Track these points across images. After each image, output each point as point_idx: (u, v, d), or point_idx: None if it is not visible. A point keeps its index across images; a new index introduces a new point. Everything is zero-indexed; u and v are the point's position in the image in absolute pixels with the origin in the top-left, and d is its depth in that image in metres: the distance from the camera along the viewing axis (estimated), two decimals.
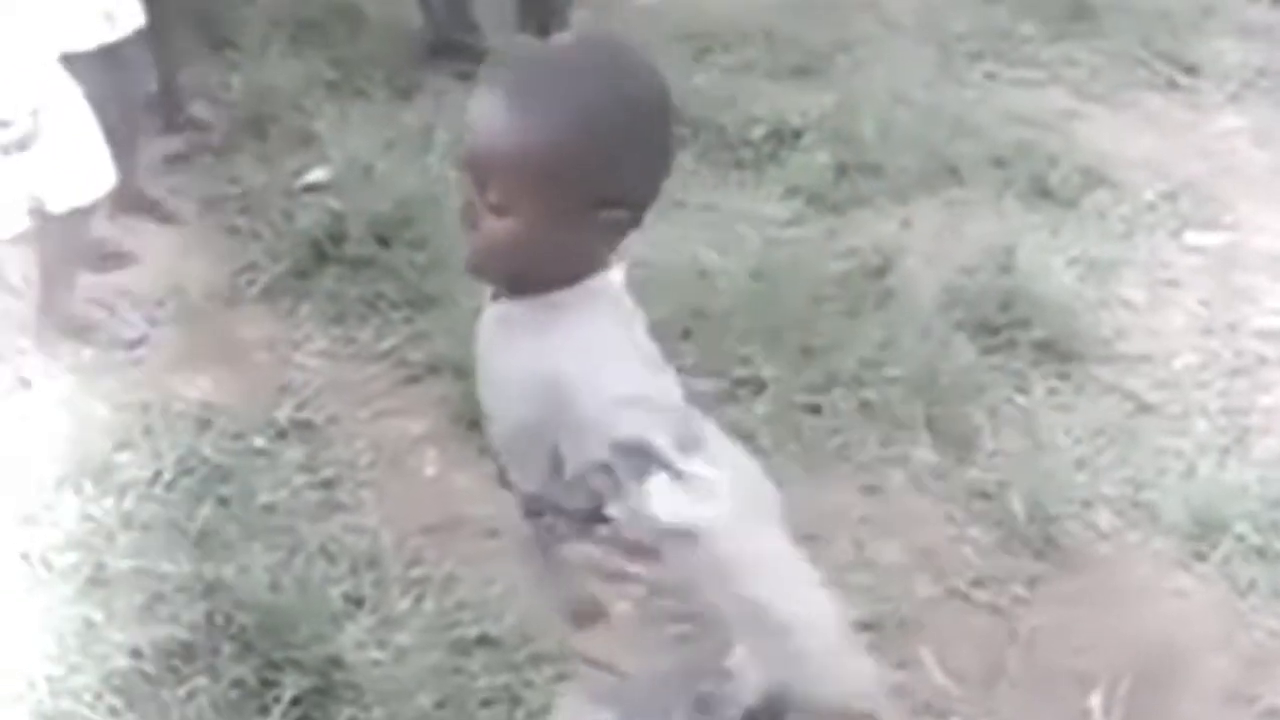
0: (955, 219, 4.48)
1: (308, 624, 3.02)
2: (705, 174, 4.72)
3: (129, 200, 4.29)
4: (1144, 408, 3.91)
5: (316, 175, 4.53)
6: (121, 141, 3.91)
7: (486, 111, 1.86)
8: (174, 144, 4.76)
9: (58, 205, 3.69)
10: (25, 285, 4.07)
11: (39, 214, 3.70)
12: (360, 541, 3.30)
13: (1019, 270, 4.15)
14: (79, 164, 3.68)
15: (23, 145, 3.59)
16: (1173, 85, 5.49)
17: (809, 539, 3.33)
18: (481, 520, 3.38)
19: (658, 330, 2.18)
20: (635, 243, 1.99)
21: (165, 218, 4.44)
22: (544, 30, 5.16)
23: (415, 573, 3.25)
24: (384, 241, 4.20)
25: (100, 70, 3.79)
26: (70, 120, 3.65)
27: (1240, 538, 3.48)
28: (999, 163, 4.82)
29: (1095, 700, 3.13)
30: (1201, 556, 3.48)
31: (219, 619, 3.06)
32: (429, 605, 3.16)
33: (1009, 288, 4.09)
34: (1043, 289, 4.09)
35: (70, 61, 3.68)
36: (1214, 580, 3.43)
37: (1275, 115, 5.37)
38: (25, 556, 3.23)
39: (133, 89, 4.12)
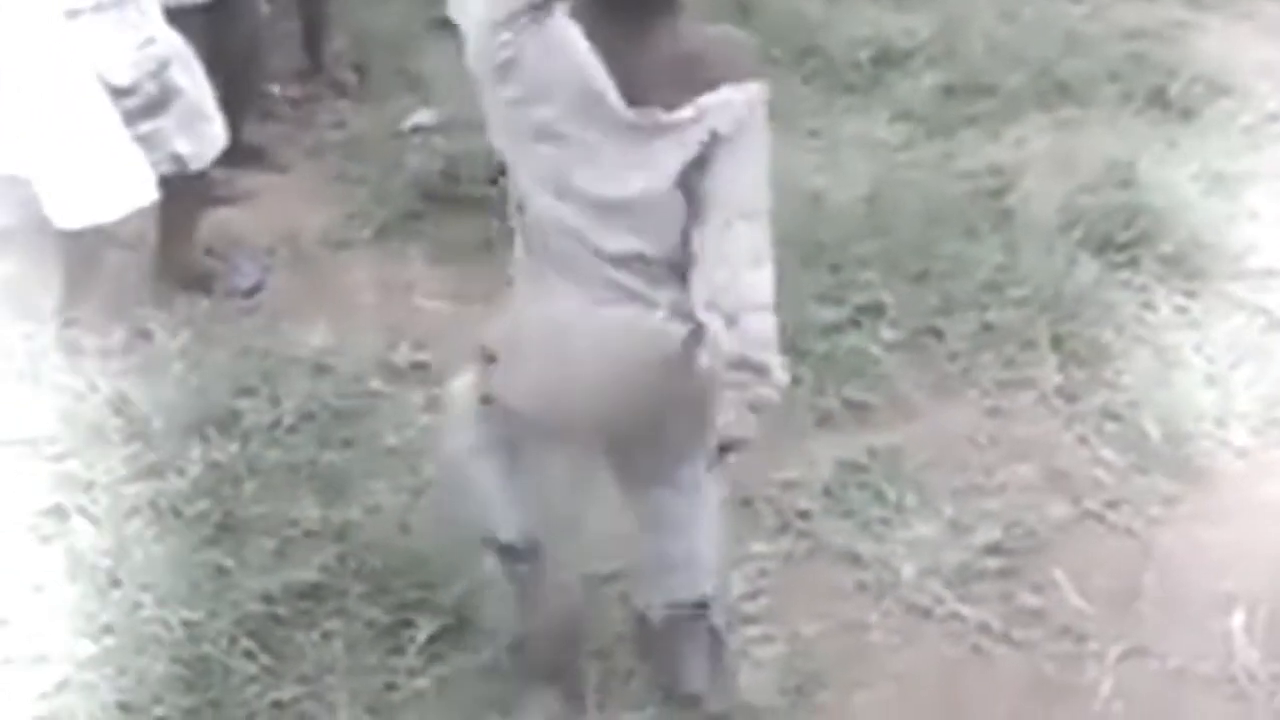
0: (1071, 136, 4.39)
1: (438, 564, 3.01)
2: (812, 99, 4.65)
3: (238, 152, 4.29)
4: (1276, 323, 3.81)
5: (422, 117, 4.51)
6: (231, 93, 3.92)
7: None
8: (292, 90, 4.74)
9: (197, 163, 3.71)
10: (141, 244, 4.08)
11: (167, 175, 3.70)
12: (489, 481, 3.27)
13: (1140, 185, 4.05)
14: (202, 122, 3.69)
15: (152, 111, 3.60)
16: None
17: (936, 464, 3.34)
18: None
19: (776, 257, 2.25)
20: None
21: (274, 167, 4.43)
22: None
23: None
24: (492, 180, 4.16)
25: (208, 24, 3.80)
26: (189, 81, 3.65)
27: None
28: (1113, 77, 4.72)
29: (1237, 621, 3.06)
30: None
31: (351, 562, 3.07)
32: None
33: (1131, 203, 4.00)
34: (1166, 203, 4.00)
35: (176, 16, 3.68)
36: None
37: None
38: (155, 505, 3.24)
39: (239, 41, 4.11)
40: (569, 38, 2.27)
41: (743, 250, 2.33)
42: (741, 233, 2.32)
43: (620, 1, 2.30)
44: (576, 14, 2.28)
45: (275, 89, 4.62)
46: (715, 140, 2.30)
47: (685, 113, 2.28)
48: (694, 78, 2.29)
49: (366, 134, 4.55)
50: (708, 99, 2.29)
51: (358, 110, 4.68)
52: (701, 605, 2.74)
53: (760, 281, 2.34)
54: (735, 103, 2.30)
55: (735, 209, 2.32)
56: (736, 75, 2.31)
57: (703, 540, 2.71)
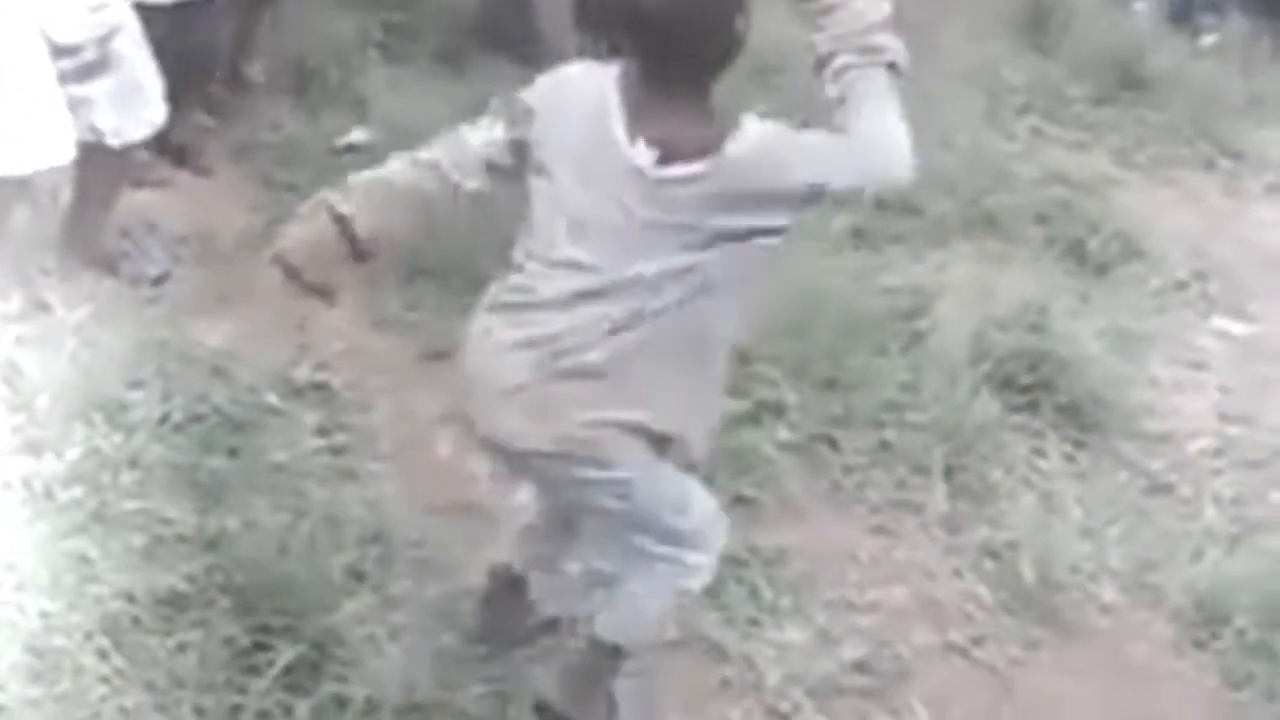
0: (991, 270, 4.45)
1: (308, 592, 2.98)
2: None
3: (166, 145, 4.22)
4: (1157, 487, 3.91)
5: (357, 135, 4.48)
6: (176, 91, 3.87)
7: None
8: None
9: (115, 139, 3.64)
10: (53, 205, 4.00)
11: (88, 143, 3.64)
12: (368, 515, 3.25)
13: (1050, 331, 4.12)
14: (138, 100, 3.63)
15: (86, 75, 3.54)
16: (1212, 167, 5.48)
17: (815, 574, 3.36)
18: (492, 506, 3.35)
19: None
20: None
21: (195, 168, 4.35)
22: None
23: (419, 553, 3.21)
24: None
25: (171, 25, 3.76)
26: (133, 56, 3.60)
27: (1241, 631, 3.48)
28: (1039, 219, 4.80)
29: None
30: (1201, 645, 3.48)
31: (218, 574, 3.02)
32: (431, 589, 3.13)
33: (1039, 348, 4.06)
34: (1071, 354, 4.07)
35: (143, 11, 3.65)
36: (1211, 669, 3.43)
37: None
38: (28, 484, 3.16)
39: (199, 48, 4.06)
40: None
41: None
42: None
43: None
44: None
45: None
46: None
47: None
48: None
49: (300, 142, 4.50)
50: None
51: (295, 117, 4.62)
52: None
53: None
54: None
55: None
56: None
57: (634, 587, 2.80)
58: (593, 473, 2.63)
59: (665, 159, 2.50)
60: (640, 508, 2.68)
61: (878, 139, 2.50)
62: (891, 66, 2.53)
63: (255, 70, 4.71)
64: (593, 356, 2.56)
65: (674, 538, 2.74)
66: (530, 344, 2.61)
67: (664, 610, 2.87)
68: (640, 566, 2.79)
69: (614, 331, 2.54)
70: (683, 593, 2.85)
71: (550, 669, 3.00)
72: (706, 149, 2.48)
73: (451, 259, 4.00)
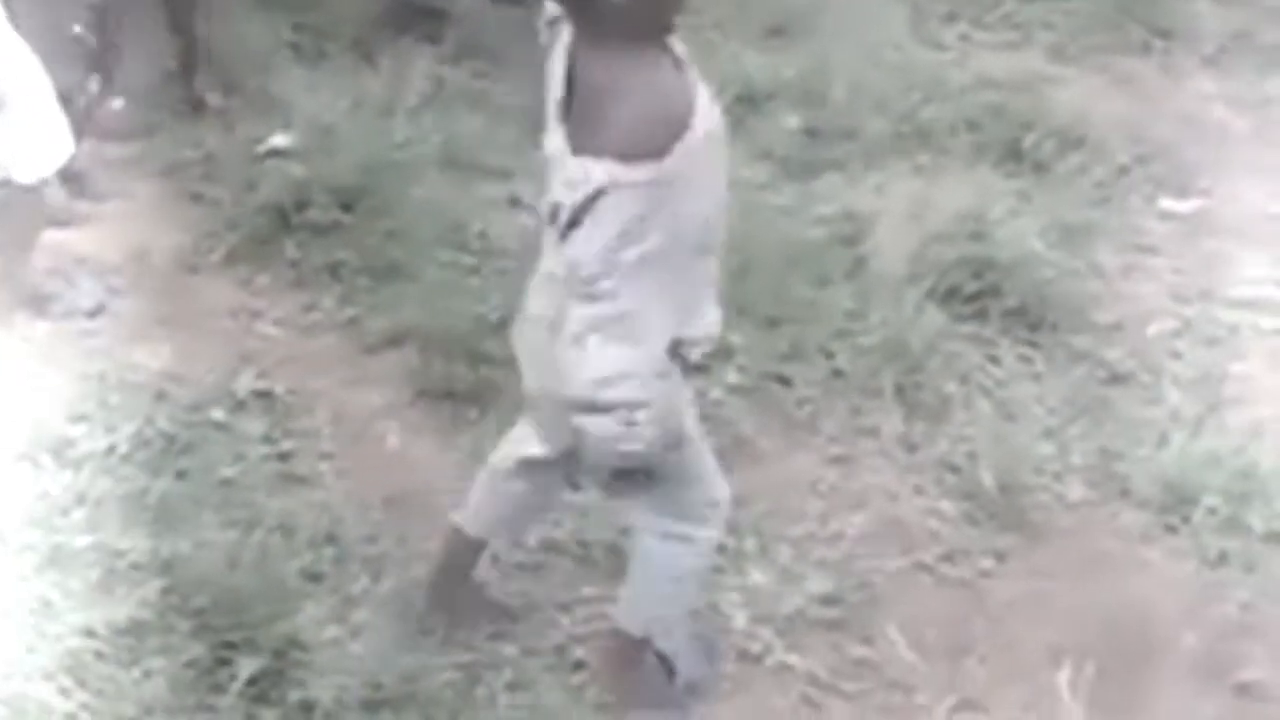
0: (927, 184, 4.41)
1: (264, 602, 2.98)
2: None
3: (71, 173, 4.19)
4: (1116, 377, 3.88)
5: (279, 140, 4.44)
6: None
7: None
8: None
9: (24, 175, 3.62)
10: None
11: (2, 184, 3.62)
12: (319, 517, 3.25)
13: (990, 238, 4.08)
14: (42, 134, 3.61)
15: None
16: (1148, 49, 5.41)
17: (776, 512, 3.35)
18: (441, 493, 3.34)
19: None
20: None
21: (96, 196, 4.31)
22: None
23: (374, 549, 3.21)
24: (346, 208, 4.13)
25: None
26: (31, 90, 3.57)
27: (1212, 510, 3.46)
28: (972, 126, 4.75)
29: (1063, 676, 3.11)
30: (1172, 529, 3.47)
31: (174, 597, 3.01)
32: (388, 583, 3.12)
33: (980, 256, 4.03)
34: (1014, 256, 4.04)
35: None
36: (1185, 553, 3.42)
37: (1252, 80, 5.30)
38: None
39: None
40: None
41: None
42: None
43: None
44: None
45: (118, 104, 4.49)
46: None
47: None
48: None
49: (223, 154, 4.46)
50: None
51: (215, 130, 4.58)
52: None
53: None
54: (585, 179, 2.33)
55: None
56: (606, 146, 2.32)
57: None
58: None
59: None
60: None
61: None
62: None
63: (214, 96, 4.67)
64: None
65: (682, 511, 2.75)
66: None
67: (682, 592, 2.87)
68: (651, 546, 2.81)
69: None
70: (695, 573, 2.85)
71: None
72: None
73: (377, 252, 3.99)
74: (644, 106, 2.34)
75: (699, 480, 2.77)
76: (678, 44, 2.48)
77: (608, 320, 2.39)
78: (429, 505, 3.32)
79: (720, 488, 2.82)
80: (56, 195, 4.05)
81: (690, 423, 2.69)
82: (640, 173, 2.30)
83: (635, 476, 2.62)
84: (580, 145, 2.37)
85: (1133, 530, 3.46)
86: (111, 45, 4.25)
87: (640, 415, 2.43)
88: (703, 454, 2.78)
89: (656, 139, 2.31)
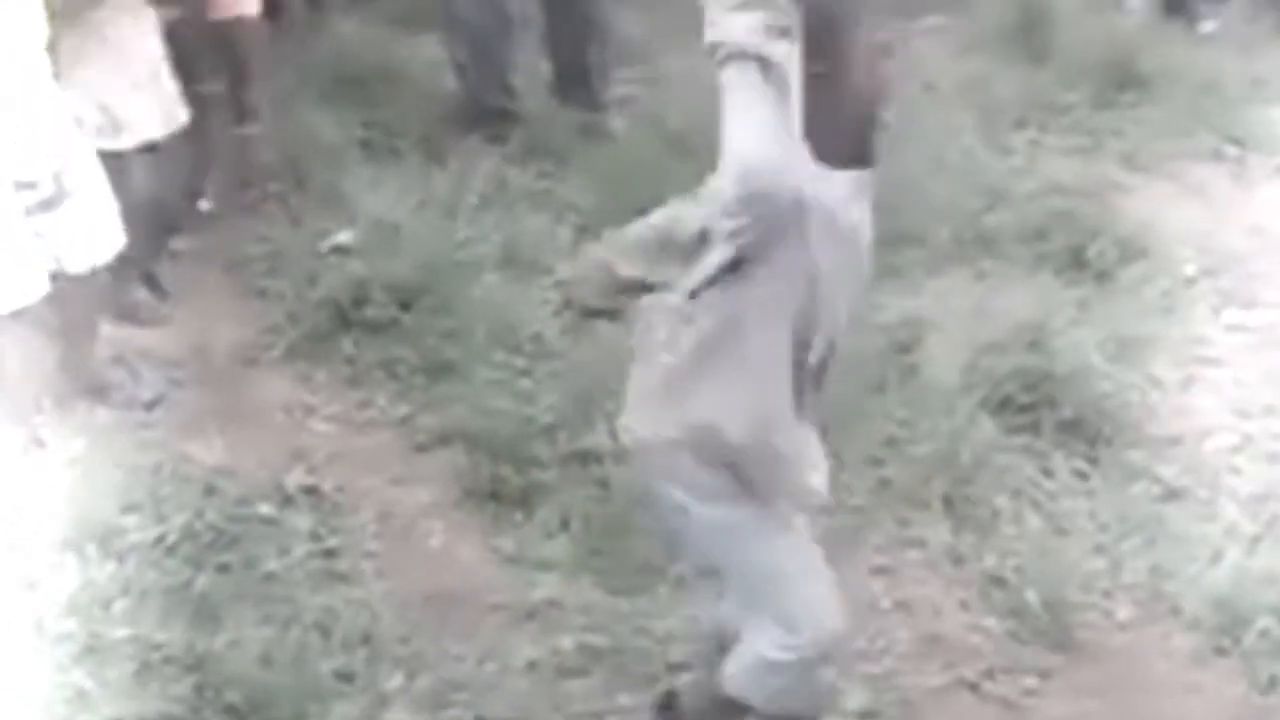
0: (987, 291, 4.39)
1: (296, 700, 2.99)
2: None
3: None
4: (1172, 493, 3.81)
5: (343, 237, 4.50)
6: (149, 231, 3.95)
7: None
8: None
9: (77, 265, 3.69)
10: (47, 344, 4.07)
11: (61, 274, 3.70)
12: (358, 615, 3.26)
13: (1047, 347, 4.04)
14: (95, 225, 3.69)
15: (47, 207, 3.60)
16: (1219, 156, 5.37)
17: None
18: (483, 595, 3.35)
19: None
20: None
21: (164, 292, 4.39)
22: (580, 97, 5.15)
23: (409, 649, 3.21)
24: (405, 306, 4.17)
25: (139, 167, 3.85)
26: (87, 182, 3.66)
27: (1264, 632, 3.38)
28: (1037, 233, 4.72)
29: None
30: (1223, 651, 3.38)
31: (208, 692, 3.03)
32: (422, 682, 3.12)
33: (1036, 366, 3.98)
34: (1071, 367, 3.99)
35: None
36: (1235, 676, 3.33)
37: None
38: (22, 620, 3.20)
39: (167, 189, 4.12)
40: None
41: None
42: None
43: None
44: None
45: (205, 204, 4.59)
46: None
47: None
48: None
49: (288, 249, 4.53)
50: None
51: (281, 225, 4.66)
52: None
53: None
54: None
55: None
56: None
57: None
58: None
59: None
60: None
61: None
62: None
63: (204, 202, 4.75)
64: None
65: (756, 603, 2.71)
66: None
67: (779, 679, 2.73)
68: (749, 619, 2.74)
69: None
70: (779, 666, 2.70)
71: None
72: None
73: (433, 351, 4.03)
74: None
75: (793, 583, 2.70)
76: None
77: None
78: (467, 605, 3.33)
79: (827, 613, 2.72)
80: (131, 291, 4.16)
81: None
82: None
83: None
84: None
85: (1182, 651, 3.38)
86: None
87: None
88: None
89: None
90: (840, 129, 2.55)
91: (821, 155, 2.51)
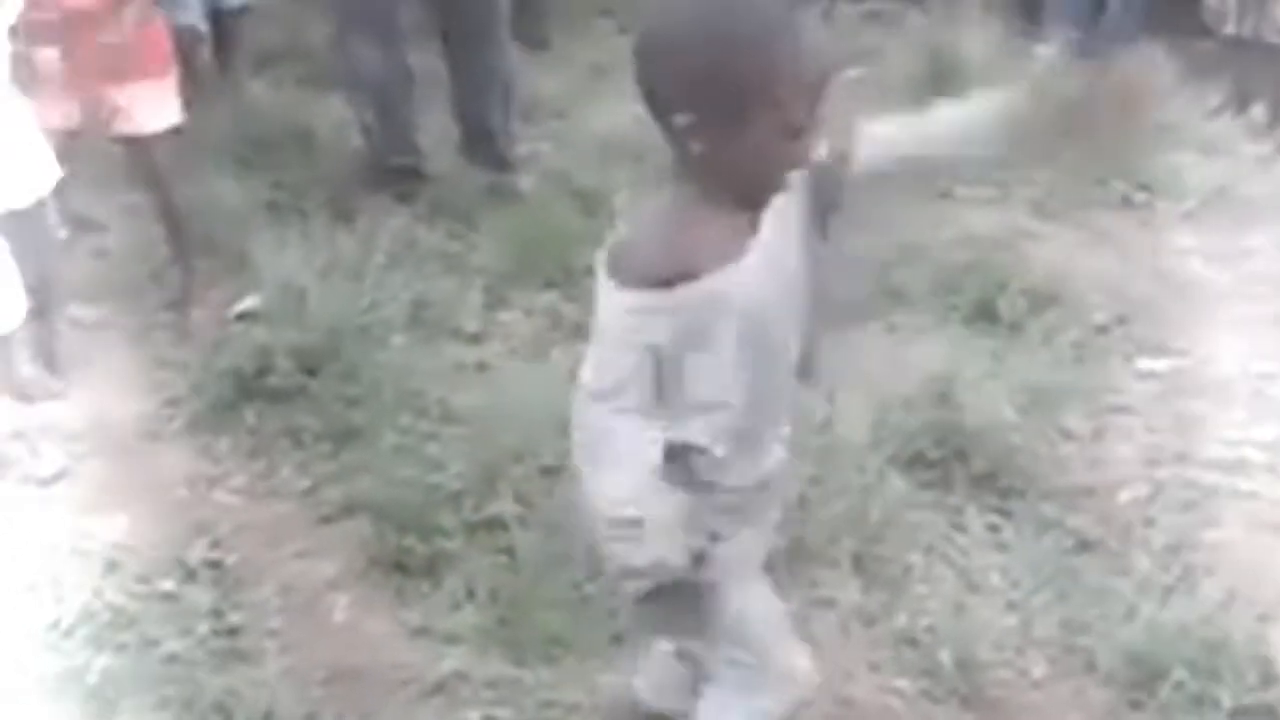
0: (897, 346, 4.39)
1: None
2: None
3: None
4: (1085, 545, 3.79)
5: (248, 303, 4.45)
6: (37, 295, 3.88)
7: None
8: None
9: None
10: None
11: None
12: (259, 695, 3.17)
13: (957, 401, 4.03)
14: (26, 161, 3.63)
15: None
16: (1128, 203, 5.42)
17: None
18: (389, 669, 3.28)
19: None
20: None
21: (62, 369, 4.31)
22: (487, 156, 5.14)
23: None
24: (310, 372, 4.12)
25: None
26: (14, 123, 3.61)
27: (1179, 684, 3.35)
28: (948, 286, 4.73)
29: None
30: (1138, 705, 3.35)
31: None
32: None
33: (947, 420, 3.97)
34: (981, 421, 3.97)
35: None
36: None
37: (1231, 234, 5.30)
38: None
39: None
40: None
41: None
42: None
43: None
44: None
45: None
46: None
47: None
48: None
49: (194, 318, 4.48)
50: None
51: (188, 293, 4.60)
52: None
53: None
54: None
55: None
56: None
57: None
58: None
59: None
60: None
61: None
62: None
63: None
64: None
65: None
66: None
67: None
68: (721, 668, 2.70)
69: None
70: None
71: None
72: None
73: (337, 418, 3.98)
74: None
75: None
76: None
77: None
78: (372, 681, 3.26)
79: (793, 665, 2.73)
80: (26, 370, 4.09)
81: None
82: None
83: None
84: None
85: (1097, 707, 3.35)
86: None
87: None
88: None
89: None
90: None
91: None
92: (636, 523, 2.34)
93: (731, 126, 2.16)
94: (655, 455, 2.34)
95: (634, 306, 2.22)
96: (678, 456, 2.38)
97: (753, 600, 2.65)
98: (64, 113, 4.09)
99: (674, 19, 2.20)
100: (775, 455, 2.57)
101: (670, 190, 2.28)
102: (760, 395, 2.39)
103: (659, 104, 2.20)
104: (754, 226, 2.28)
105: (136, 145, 4.36)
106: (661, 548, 2.37)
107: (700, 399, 2.33)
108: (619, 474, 2.32)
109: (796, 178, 2.28)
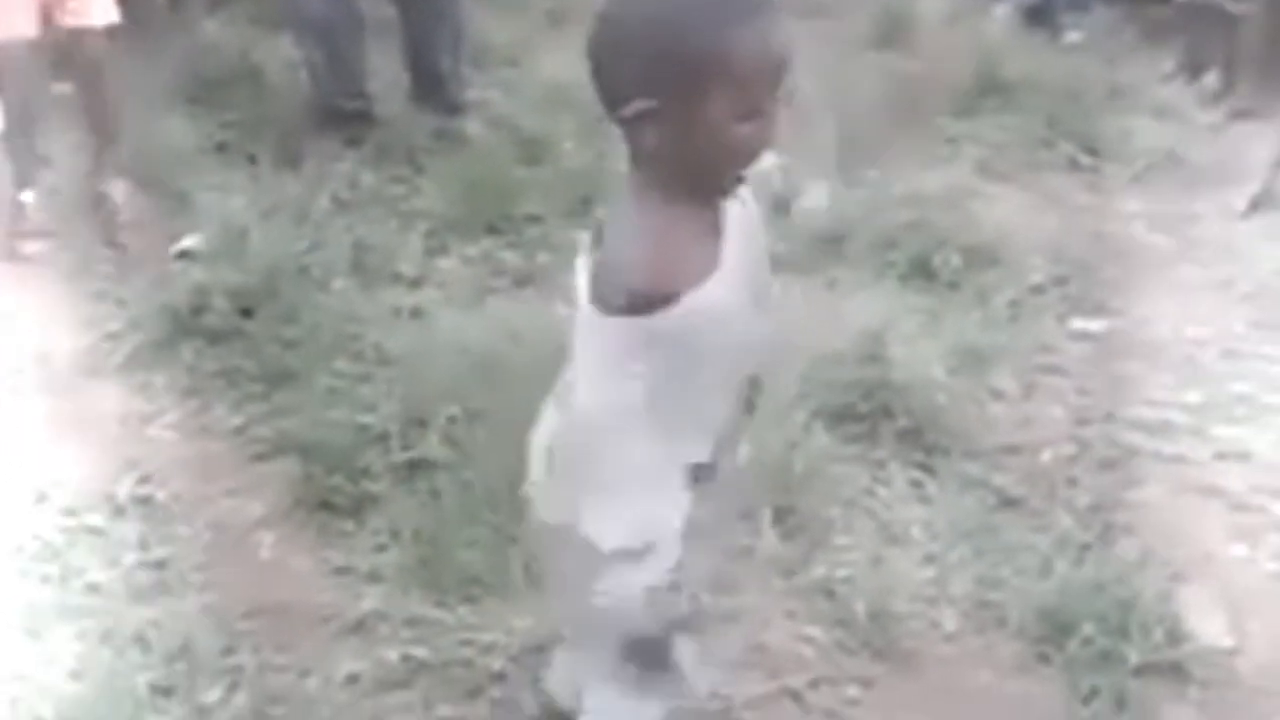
0: (833, 300, 4.42)
1: (108, 715, 2.95)
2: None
3: None
4: (1007, 502, 3.84)
5: (190, 242, 4.47)
6: None
7: None
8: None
9: None
10: None
11: None
12: (178, 627, 3.22)
13: (887, 358, 4.07)
14: None
15: None
16: (1075, 165, 5.46)
17: None
18: (310, 607, 3.33)
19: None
20: None
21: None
22: (436, 101, 5.15)
23: (230, 661, 3.17)
24: (247, 313, 4.15)
25: None
26: None
27: (1088, 641, 3.41)
28: (889, 242, 4.76)
29: None
30: (1046, 659, 3.41)
31: (22, 707, 2.99)
32: (240, 696, 3.09)
33: (875, 376, 4.01)
34: (910, 377, 4.01)
35: None
36: (1057, 685, 3.36)
37: (1177, 198, 5.34)
38: None
39: None
40: None
41: None
42: None
43: None
44: None
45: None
46: None
47: None
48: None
49: (137, 254, 4.49)
50: None
51: (133, 229, 4.61)
52: None
53: None
54: None
55: None
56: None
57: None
58: None
59: None
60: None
61: None
62: None
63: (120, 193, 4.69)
64: None
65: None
66: None
67: None
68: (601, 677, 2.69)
69: None
70: None
71: None
72: None
73: (273, 359, 4.00)
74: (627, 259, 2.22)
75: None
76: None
77: None
78: (293, 618, 3.30)
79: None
80: None
81: None
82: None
83: None
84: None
85: (1006, 661, 3.40)
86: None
87: None
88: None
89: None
90: None
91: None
92: (652, 550, 2.35)
93: (688, 109, 2.12)
94: (674, 479, 2.34)
95: (622, 335, 2.20)
96: (692, 477, 2.37)
97: None
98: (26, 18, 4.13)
99: (625, 3, 2.19)
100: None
101: (632, 197, 2.24)
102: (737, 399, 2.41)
103: (615, 93, 2.16)
104: (718, 230, 2.25)
105: (81, 40, 4.39)
106: (672, 574, 2.38)
107: (699, 416, 2.34)
108: (630, 501, 2.32)
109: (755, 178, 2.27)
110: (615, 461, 2.30)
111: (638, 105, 2.13)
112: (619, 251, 2.21)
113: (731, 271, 2.24)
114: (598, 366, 2.27)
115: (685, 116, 2.12)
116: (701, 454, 2.38)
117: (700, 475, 2.39)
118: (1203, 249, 5.13)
